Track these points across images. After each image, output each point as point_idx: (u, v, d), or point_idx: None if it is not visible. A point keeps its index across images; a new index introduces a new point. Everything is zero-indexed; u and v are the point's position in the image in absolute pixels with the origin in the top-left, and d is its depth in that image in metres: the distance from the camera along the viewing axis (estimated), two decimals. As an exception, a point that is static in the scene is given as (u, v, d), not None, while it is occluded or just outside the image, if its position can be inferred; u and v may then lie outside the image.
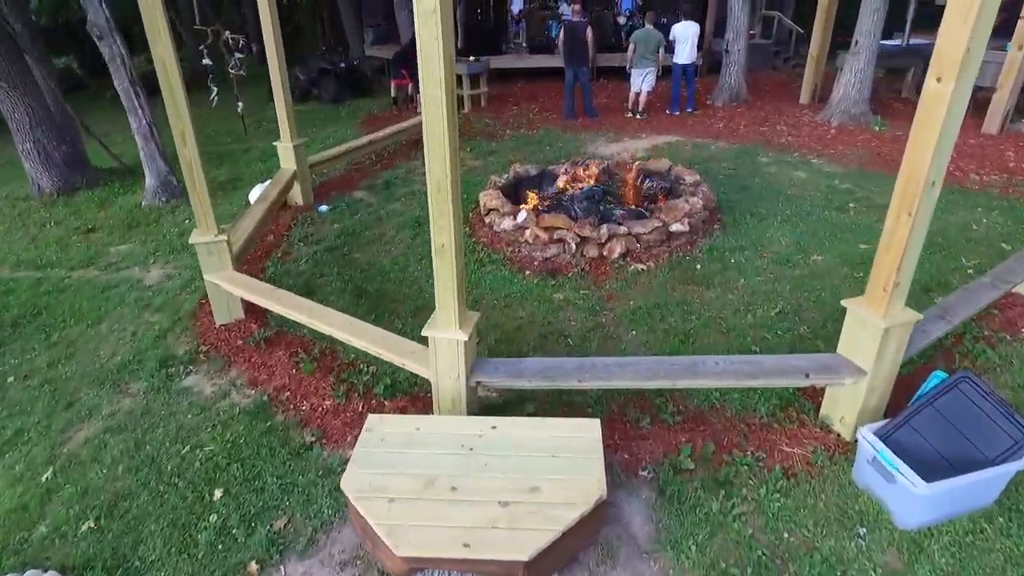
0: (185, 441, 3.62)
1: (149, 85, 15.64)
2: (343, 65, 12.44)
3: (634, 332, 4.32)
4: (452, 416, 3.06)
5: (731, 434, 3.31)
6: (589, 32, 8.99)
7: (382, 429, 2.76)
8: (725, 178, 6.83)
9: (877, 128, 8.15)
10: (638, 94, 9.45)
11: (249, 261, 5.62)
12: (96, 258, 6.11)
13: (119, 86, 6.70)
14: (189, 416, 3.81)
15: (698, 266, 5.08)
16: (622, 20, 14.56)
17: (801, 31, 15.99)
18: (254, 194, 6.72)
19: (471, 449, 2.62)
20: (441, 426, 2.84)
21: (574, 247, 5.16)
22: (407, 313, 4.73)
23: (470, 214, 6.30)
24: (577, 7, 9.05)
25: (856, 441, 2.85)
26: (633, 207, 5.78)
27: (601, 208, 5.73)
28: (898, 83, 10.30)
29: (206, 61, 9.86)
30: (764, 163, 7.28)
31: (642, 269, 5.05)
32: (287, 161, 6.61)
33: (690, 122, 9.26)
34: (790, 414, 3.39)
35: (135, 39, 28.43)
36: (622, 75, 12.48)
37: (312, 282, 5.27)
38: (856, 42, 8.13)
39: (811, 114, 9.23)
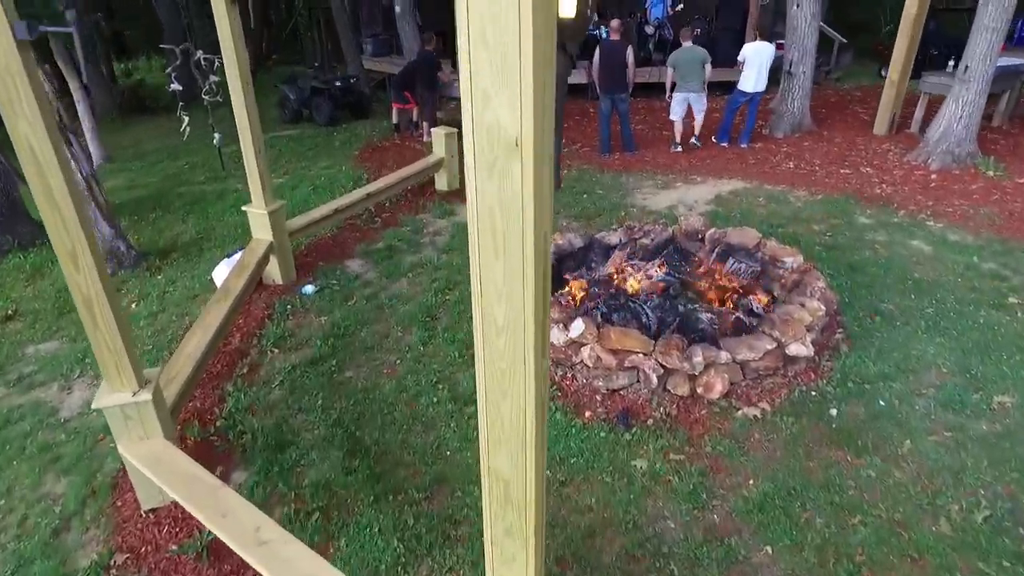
0: None
1: (127, 105, 14.08)
2: (338, 84, 10.93)
3: (769, 548, 2.83)
4: None
5: None
6: (630, 54, 7.48)
7: None
8: (823, 250, 5.32)
9: (992, 173, 6.63)
10: (687, 121, 7.94)
11: (202, 384, 4.14)
12: (6, 364, 4.63)
13: (44, 133, 5.19)
14: None
15: (833, 410, 3.58)
16: (650, 30, 13.03)
17: (844, 41, 14.51)
18: (219, 274, 5.23)
19: None
20: None
21: (655, 380, 3.67)
22: (420, 491, 3.25)
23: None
24: (615, 24, 7.56)
25: None
26: (721, 307, 4.30)
27: (680, 309, 4.24)
28: (987, 109, 8.76)
29: (175, 86, 8.39)
30: (865, 225, 5.76)
31: (755, 416, 3.56)
32: (260, 230, 5.11)
33: (751, 159, 7.74)
34: None
35: (123, 45, 26.93)
36: (653, 92, 10.99)
37: (287, 425, 3.78)
38: (966, 67, 6.62)
39: (896, 150, 7.71)
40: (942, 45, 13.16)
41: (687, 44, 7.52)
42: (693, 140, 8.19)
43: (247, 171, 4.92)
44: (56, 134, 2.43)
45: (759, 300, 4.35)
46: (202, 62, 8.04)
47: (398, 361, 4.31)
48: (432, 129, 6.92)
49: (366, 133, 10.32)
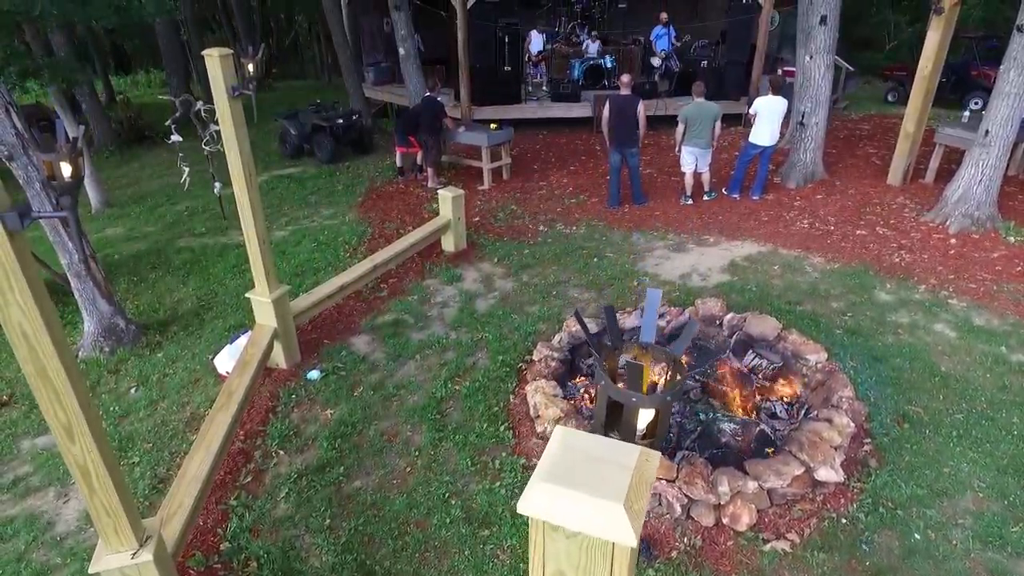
0: None
1: (126, 136, 13.80)
2: (340, 121, 10.76)
3: None
4: None
5: None
6: (641, 108, 7.32)
7: None
8: (844, 335, 5.16)
9: (1012, 239, 6.46)
10: (696, 174, 7.78)
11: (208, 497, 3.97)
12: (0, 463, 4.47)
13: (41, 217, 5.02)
14: None
15: (865, 545, 3.43)
16: (656, 61, 12.89)
17: (852, 69, 14.36)
18: (221, 362, 5.07)
19: None
20: None
21: (678, 508, 3.51)
22: (436, 642, 3.09)
23: (510, 397, 4.65)
24: (626, 80, 7.40)
25: None
26: (744, 414, 4.14)
27: (702, 418, 4.09)
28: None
29: (176, 138, 8.24)
30: (887, 304, 5.60)
31: (783, 551, 3.40)
32: (264, 317, 4.95)
33: (764, 215, 7.58)
34: None
35: (124, 58, 26.59)
36: (659, 125, 10.81)
37: (293, 551, 3.62)
38: (986, 132, 6.46)
39: (911, 205, 7.55)
40: (949, 72, 13.08)
41: (699, 99, 7.34)
42: (706, 197, 8.03)
43: (251, 260, 4.77)
44: (51, 315, 2.27)
45: (782, 398, 4.20)
46: (203, 113, 7.88)
47: (408, 468, 4.15)
48: (440, 192, 6.75)
49: (369, 173, 10.16)
